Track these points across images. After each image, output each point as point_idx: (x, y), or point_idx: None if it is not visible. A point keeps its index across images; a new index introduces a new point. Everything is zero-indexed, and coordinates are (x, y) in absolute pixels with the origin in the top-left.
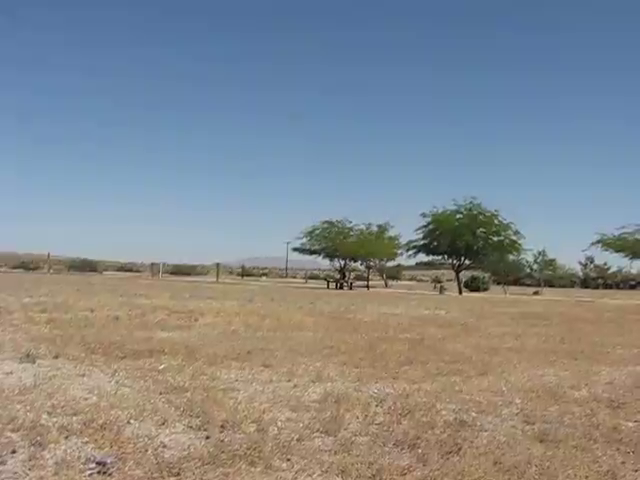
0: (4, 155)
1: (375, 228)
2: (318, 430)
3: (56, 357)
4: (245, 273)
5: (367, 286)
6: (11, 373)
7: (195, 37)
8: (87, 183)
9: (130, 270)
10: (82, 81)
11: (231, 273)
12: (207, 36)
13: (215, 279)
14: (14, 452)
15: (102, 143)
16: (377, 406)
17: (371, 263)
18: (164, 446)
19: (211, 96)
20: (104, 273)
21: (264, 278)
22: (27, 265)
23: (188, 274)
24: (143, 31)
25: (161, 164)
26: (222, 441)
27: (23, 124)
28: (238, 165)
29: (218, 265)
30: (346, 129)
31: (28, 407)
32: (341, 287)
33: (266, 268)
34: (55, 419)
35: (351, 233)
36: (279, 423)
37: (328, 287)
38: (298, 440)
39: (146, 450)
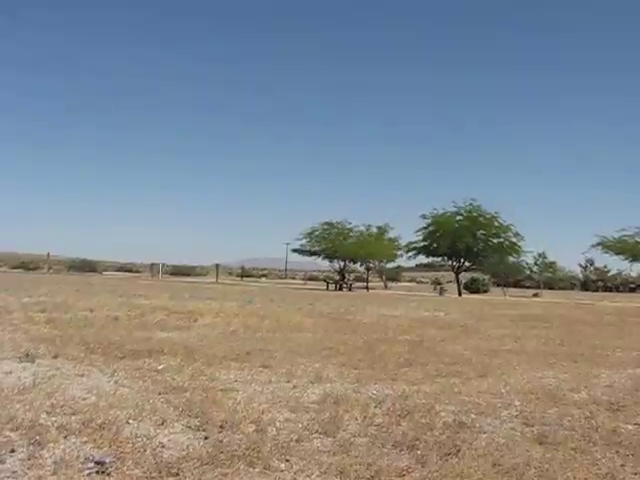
0: (4, 157)
1: (375, 229)
2: (317, 431)
3: (55, 357)
4: (244, 274)
5: (366, 287)
6: (10, 373)
7: (195, 37)
8: (87, 184)
9: (130, 271)
10: (82, 82)
11: (230, 274)
12: (207, 36)
13: (214, 280)
14: (13, 451)
15: (101, 144)
16: (376, 407)
17: (371, 265)
18: (163, 446)
19: (211, 96)
20: (104, 273)
21: (263, 279)
22: (27, 265)
23: (188, 275)
24: (143, 31)
25: (160, 165)
26: (221, 441)
27: (23, 125)
28: (238, 166)
29: (217, 266)
30: (346, 130)
31: (27, 406)
32: (340, 288)
33: (265, 269)
34: (54, 418)
35: (351, 234)
36: (278, 424)
37: (327, 288)
38: (297, 441)
39: (145, 450)
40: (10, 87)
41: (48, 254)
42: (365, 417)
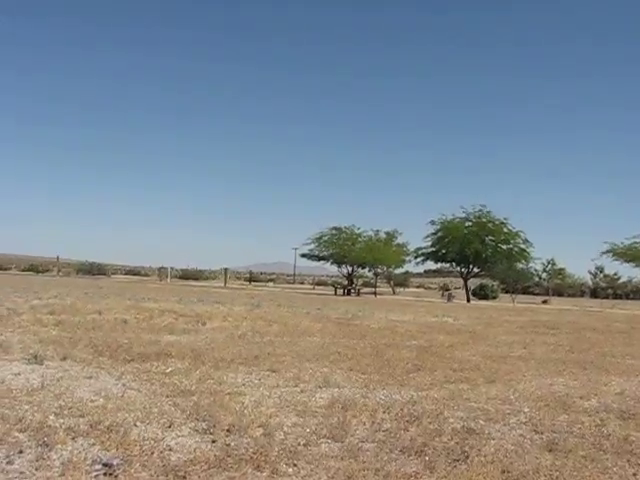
0: (15, 160)
1: (383, 235)
2: (325, 436)
3: (64, 359)
4: (253, 279)
5: (374, 293)
6: (19, 374)
7: (195, 38)
8: (97, 188)
9: (138, 274)
10: (84, 84)
11: (239, 278)
12: (208, 37)
13: (223, 284)
14: (21, 452)
15: (111, 148)
16: (384, 412)
17: (379, 270)
18: (170, 449)
19: (216, 100)
20: (112, 276)
21: (271, 284)
22: (36, 268)
23: (196, 279)
24: (143, 31)
25: (171, 170)
26: (228, 445)
27: (26, 128)
28: (247, 171)
29: (226, 270)
30: (355, 137)
31: (36, 408)
32: (348, 293)
33: (274, 274)
34: (62, 420)
35: (359, 239)
36: (286, 428)
37: (335, 293)
38: (305, 445)
39: (152, 453)
40: (11, 90)
41: (58, 257)
42: (373, 422)
